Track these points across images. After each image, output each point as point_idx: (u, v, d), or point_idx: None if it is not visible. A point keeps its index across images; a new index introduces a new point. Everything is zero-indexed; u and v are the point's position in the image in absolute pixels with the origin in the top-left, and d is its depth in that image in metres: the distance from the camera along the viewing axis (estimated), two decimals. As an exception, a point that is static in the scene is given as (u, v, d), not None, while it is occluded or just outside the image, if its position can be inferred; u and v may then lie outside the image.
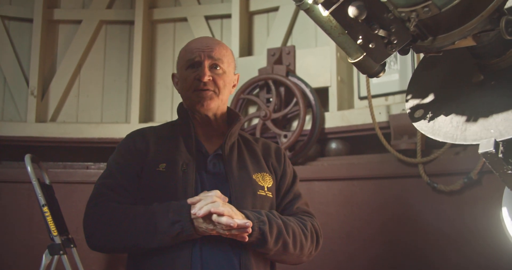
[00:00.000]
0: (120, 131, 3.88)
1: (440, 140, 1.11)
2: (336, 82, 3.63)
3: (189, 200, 1.59)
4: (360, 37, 1.01)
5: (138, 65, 4.22)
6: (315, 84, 3.67)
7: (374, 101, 3.32)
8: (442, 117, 1.12)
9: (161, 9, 4.42)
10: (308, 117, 3.60)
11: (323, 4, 0.99)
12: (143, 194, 1.71)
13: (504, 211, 1.26)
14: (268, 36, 4.09)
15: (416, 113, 1.18)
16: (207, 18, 4.30)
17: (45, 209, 2.75)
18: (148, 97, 4.34)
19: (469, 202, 2.97)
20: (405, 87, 3.34)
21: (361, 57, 1.04)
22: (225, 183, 1.74)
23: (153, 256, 1.64)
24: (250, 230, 1.58)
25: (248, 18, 4.21)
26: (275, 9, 4.09)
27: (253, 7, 4.17)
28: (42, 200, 2.78)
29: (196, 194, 1.66)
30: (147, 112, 4.29)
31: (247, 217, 1.60)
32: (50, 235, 2.78)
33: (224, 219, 1.54)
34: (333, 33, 1.04)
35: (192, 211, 1.56)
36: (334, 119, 3.59)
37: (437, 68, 1.23)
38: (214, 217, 1.54)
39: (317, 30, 3.96)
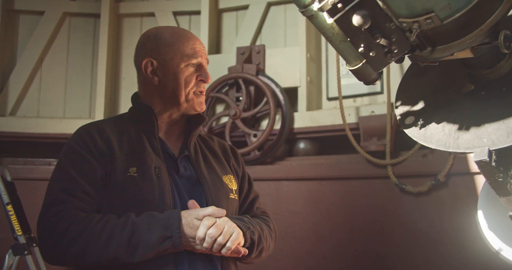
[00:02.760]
0: (83, 127, 3.77)
1: (433, 147, 1.14)
2: (306, 83, 3.65)
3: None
4: (362, 45, 1.02)
5: (103, 60, 4.12)
6: (284, 84, 3.69)
7: (343, 103, 3.36)
8: (433, 124, 1.15)
9: (128, 3, 4.32)
10: (277, 117, 3.61)
11: (328, 12, 0.99)
12: (111, 200, 1.56)
13: (480, 214, 1.30)
14: (237, 34, 4.06)
15: (406, 120, 1.20)
16: (175, 13, 4.23)
17: (9, 207, 2.64)
18: (113, 92, 4.24)
19: (436, 203, 3.05)
20: (374, 90, 3.45)
21: (360, 64, 1.06)
22: (198, 187, 1.68)
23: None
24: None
25: (217, 15, 4.17)
26: (245, 7, 4.07)
27: (222, 5, 4.14)
28: (6, 198, 2.67)
29: (174, 200, 1.59)
30: (111, 108, 4.19)
31: (240, 228, 1.59)
32: (13, 235, 2.67)
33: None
34: (335, 40, 1.05)
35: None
36: (303, 119, 3.61)
37: (426, 76, 1.25)
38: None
39: (286, 30, 3.97)
